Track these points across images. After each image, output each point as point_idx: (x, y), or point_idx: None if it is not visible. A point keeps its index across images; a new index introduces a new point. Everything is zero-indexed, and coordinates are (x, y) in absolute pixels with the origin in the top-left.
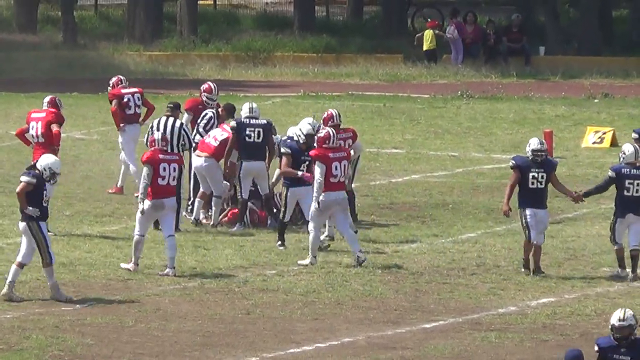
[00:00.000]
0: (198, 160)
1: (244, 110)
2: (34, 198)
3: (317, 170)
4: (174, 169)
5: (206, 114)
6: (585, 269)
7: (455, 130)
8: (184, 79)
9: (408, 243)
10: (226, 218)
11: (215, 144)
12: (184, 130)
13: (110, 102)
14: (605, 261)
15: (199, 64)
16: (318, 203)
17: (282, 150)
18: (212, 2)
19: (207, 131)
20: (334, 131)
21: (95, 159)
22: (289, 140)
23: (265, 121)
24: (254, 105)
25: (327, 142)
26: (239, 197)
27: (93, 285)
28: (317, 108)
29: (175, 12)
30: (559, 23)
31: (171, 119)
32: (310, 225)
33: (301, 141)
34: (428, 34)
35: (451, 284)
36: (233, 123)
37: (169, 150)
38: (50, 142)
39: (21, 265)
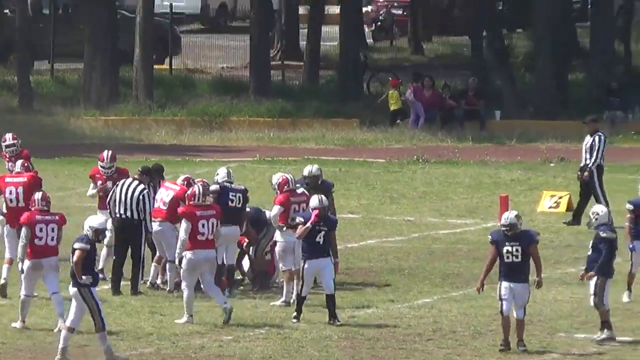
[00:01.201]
0: (154, 225)
1: (221, 175)
2: (87, 264)
3: (182, 227)
4: (52, 229)
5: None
6: (541, 334)
7: (411, 194)
8: (140, 144)
9: (364, 308)
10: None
11: (165, 207)
12: (143, 196)
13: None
14: (562, 327)
15: (155, 128)
16: (179, 260)
17: (297, 219)
18: (168, 67)
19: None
20: (201, 188)
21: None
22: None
23: (243, 187)
24: (231, 170)
25: (192, 199)
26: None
27: (50, 352)
28: (273, 172)
29: (131, 77)
30: (515, 87)
31: (135, 183)
32: (183, 284)
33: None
34: (393, 94)
35: (407, 350)
36: (216, 187)
37: (130, 216)
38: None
39: (71, 330)
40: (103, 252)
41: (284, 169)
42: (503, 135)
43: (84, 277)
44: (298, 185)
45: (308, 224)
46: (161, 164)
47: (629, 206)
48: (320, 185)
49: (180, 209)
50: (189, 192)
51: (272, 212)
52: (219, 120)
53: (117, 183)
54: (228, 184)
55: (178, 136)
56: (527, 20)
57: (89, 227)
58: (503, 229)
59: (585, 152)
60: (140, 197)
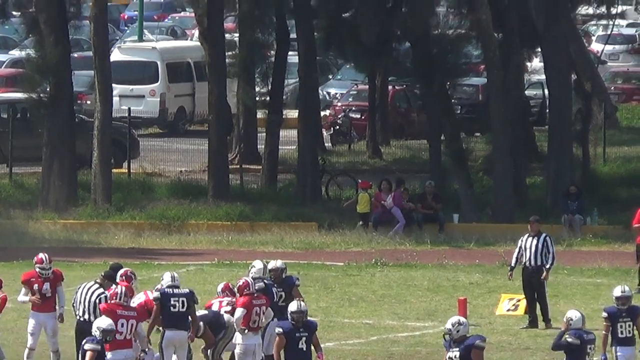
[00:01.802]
0: None
1: (165, 280)
2: None
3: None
4: None
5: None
6: None
7: (370, 297)
8: (98, 247)
9: None
10: None
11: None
12: (100, 300)
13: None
14: None
15: (114, 232)
16: None
17: (275, 331)
18: (126, 171)
19: None
20: (122, 289)
21: (9, 327)
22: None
23: (187, 290)
24: (175, 274)
25: (115, 297)
26: None
27: None
28: (231, 276)
29: (89, 181)
30: (473, 191)
31: (96, 286)
32: None
33: (291, 320)
34: (364, 197)
35: None
36: (157, 294)
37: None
38: None
39: None
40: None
41: (242, 272)
42: (461, 238)
43: None
44: (260, 282)
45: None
46: (117, 265)
47: (604, 314)
48: (284, 279)
49: (101, 306)
50: (111, 291)
51: (235, 314)
52: (178, 223)
53: (79, 285)
54: (170, 290)
55: (137, 239)
56: (485, 124)
57: (97, 327)
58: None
59: (533, 252)
60: (97, 300)
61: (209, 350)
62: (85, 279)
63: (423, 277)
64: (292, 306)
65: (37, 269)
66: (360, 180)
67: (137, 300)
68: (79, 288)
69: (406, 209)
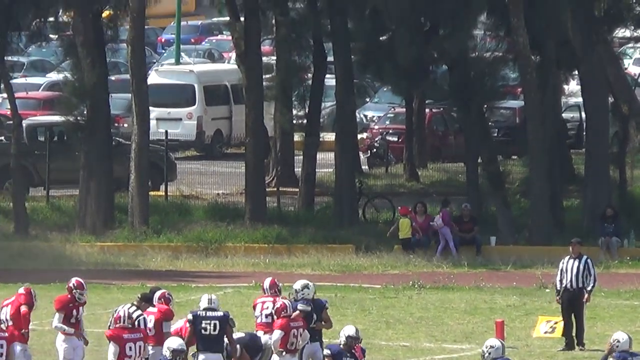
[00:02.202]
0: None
1: (202, 302)
2: None
3: (111, 351)
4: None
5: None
6: None
7: (407, 320)
8: (135, 270)
9: None
10: None
11: (151, 332)
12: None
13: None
14: None
15: (151, 254)
16: None
17: (324, 352)
18: (163, 193)
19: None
20: (126, 311)
21: (47, 349)
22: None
23: (222, 313)
24: (213, 296)
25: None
26: None
27: None
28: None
29: (126, 203)
30: (510, 213)
31: (133, 308)
32: None
33: (342, 343)
34: (404, 222)
35: None
36: (190, 316)
37: None
38: (19, 326)
39: None
40: None
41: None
42: (499, 260)
43: None
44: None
45: None
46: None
47: None
48: (314, 301)
49: (107, 332)
50: (115, 315)
51: (273, 336)
52: (215, 246)
53: (116, 308)
54: (203, 312)
55: (174, 262)
56: (522, 147)
57: (167, 347)
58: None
59: (575, 274)
60: (136, 322)
61: None
62: (122, 302)
63: (460, 299)
64: (349, 331)
65: (77, 294)
66: (400, 207)
67: (176, 325)
68: (115, 310)
69: (455, 229)
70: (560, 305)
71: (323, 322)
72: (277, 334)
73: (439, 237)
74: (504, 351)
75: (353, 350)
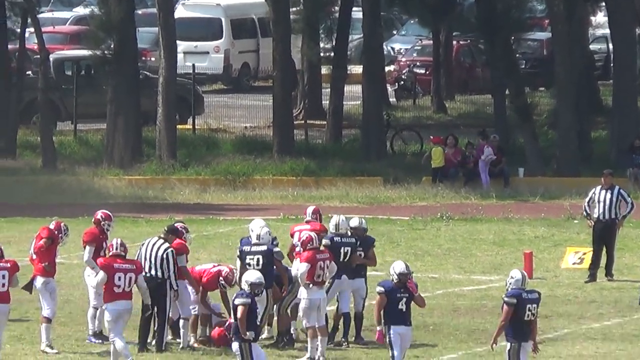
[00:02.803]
0: None
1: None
2: (250, 319)
3: (99, 276)
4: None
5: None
6: None
7: (435, 252)
8: (163, 203)
9: None
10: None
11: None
12: (167, 254)
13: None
14: None
15: (179, 187)
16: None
17: (377, 289)
18: (191, 127)
19: None
20: (118, 241)
21: (75, 283)
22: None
23: (265, 247)
24: (263, 230)
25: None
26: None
27: None
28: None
29: (154, 137)
30: (538, 145)
31: (160, 241)
32: (111, 335)
33: (394, 280)
34: (437, 151)
35: None
36: (327, 241)
37: (154, 274)
38: (41, 259)
39: None
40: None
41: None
42: (527, 192)
43: (247, 332)
44: (327, 238)
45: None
46: (180, 223)
47: None
48: (365, 238)
49: (99, 261)
50: (109, 244)
51: (300, 269)
52: (243, 179)
53: (143, 242)
54: (247, 247)
55: (202, 195)
56: (549, 78)
57: (246, 281)
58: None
59: (608, 206)
60: (164, 255)
61: (275, 305)
62: (150, 235)
63: (489, 230)
64: (399, 267)
65: (106, 225)
66: (432, 136)
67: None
68: (142, 244)
69: (469, 164)
70: (592, 232)
71: (368, 259)
72: (303, 266)
73: (479, 169)
74: (525, 282)
75: (407, 285)
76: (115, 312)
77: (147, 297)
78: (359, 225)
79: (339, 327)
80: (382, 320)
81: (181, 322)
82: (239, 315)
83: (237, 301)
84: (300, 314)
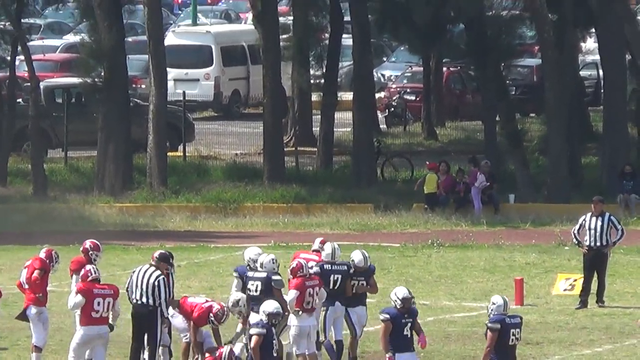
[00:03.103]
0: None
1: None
2: (266, 350)
3: (75, 299)
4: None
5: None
6: None
7: (426, 278)
8: (154, 231)
9: None
10: None
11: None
12: (159, 282)
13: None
14: None
15: (169, 215)
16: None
17: (381, 317)
18: (181, 154)
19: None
20: (93, 267)
21: (66, 310)
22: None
23: (265, 274)
24: (267, 258)
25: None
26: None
27: None
28: (288, 258)
29: (144, 164)
30: (528, 171)
31: (152, 269)
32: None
33: (398, 306)
34: (431, 177)
35: None
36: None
37: (145, 302)
38: (33, 289)
39: None
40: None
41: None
42: (517, 218)
43: None
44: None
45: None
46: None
47: None
48: (367, 269)
49: (78, 285)
50: (85, 270)
51: (289, 296)
52: (233, 206)
53: (134, 269)
54: (251, 273)
55: (192, 222)
56: (540, 105)
57: (263, 311)
58: None
59: (599, 233)
60: (156, 283)
61: None
62: (141, 262)
63: (479, 257)
64: (401, 292)
65: (93, 255)
66: (428, 162)
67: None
68: (133, 272)
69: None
70: (582, 259)
71: (370, 287)
72: (292, 293)
73: (471, 195)
74: (506, 307)
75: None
76: (87, 336)
77: (115, 319)
78: (363, 264)
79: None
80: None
81: (161, 349)
82: (252, 344)
83: (252, 331)
84: (290, 340)
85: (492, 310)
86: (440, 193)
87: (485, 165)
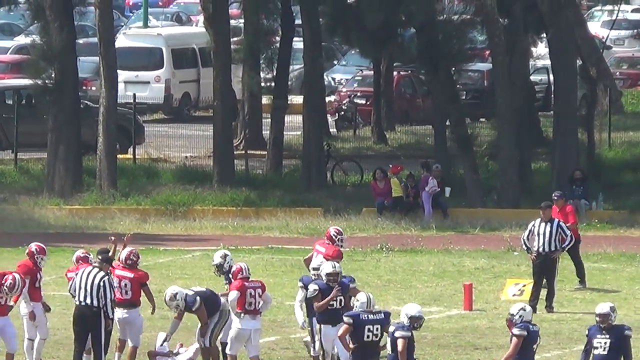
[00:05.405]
0: (120, 311)
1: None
2: (409, 351)
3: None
4: None
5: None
6: None
7: (375, 283)
8: (104, 233)
9: None
10: None
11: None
12: (104, 282)
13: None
14: None
15: (119, 217)
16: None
17: (399, 334)
18: (131, 156)
19: None
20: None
21: (13, 313)
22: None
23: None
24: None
25: None
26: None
27: None
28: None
29: (94, 166)
30: (478, 175)
31: (95, 270)
32: None
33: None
34: (395, 181)
35: None
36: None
37: (89, 303)
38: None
39: None
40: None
41: (247, 258)
42: (467, 223)
43: None
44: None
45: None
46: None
47: None
48: (341, 283)
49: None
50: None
51: (230, 297)
52: (183, 209)
53: (77, 272)
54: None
55: (142, 225)
56: (490, 109)
57: (405, 314)
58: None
59: (547, 239)
60: (101, 283)
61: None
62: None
63: (428, 262)
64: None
65: (39, 259)
66: (391, 165)
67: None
68: (76, 274)
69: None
70: (532, 265)
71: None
72: (232, 294)
73: (422, 200)
74: (370, 305)
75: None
76: None
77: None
78: (333, 271)
79: None
80: None
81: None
82: (399, 348)
83: (397, 334)
84: (228, 340)
85: (356, 307)
86: (389, 199)
87: (437, 170)
